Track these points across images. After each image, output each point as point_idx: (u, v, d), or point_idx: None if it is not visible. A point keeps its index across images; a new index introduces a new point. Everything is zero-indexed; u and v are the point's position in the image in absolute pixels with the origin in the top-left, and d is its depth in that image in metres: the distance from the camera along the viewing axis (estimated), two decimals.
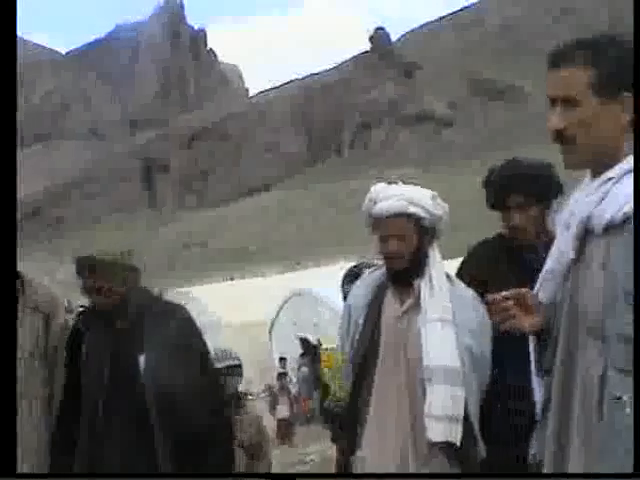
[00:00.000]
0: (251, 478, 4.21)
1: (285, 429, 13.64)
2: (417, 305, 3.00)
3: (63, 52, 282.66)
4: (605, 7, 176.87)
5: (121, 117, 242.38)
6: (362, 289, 3.19)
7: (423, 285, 3.00)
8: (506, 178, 3.03)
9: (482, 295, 2.93)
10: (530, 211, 3.02)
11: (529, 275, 2.31)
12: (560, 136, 1.94)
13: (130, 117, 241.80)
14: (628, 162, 1.88)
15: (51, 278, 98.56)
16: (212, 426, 3.24)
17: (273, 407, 14.73)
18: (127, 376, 3.11)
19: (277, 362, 19.80)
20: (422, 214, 2.97)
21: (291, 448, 12.58)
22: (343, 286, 4.17)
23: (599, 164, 1.94)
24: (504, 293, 2.07)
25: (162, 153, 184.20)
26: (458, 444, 2.84)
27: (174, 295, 23.01)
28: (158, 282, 66.48)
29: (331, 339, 18.07)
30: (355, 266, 4.31)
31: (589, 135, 1.91)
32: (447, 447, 2.88)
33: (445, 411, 2.84)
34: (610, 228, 1.85)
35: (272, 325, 20.49)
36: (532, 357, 2.19)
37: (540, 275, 2.10)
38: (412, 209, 2.96)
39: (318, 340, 18.93)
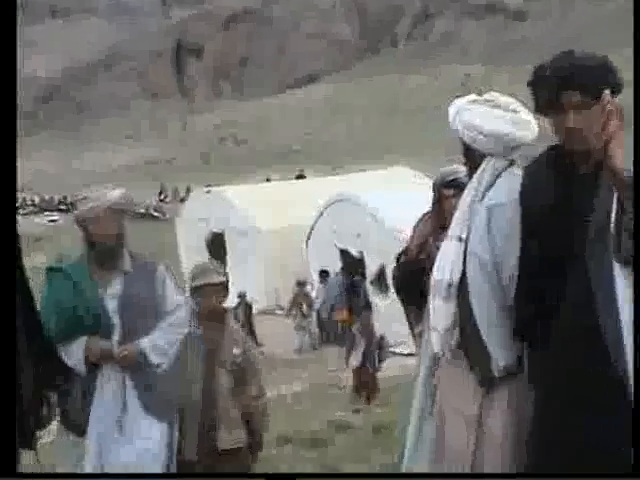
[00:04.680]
0: (251, 478, 4.46)
1: (362, 380, 12.43)
2: None
3: None
4: None
5: None
6: None
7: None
8: (560, 70, 2.80)
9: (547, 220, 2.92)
10: (588, 111, 2.76)
11: (586, 191, 2.59)
12: None
13: None
14: None
15: (66, 166, 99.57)
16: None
17: (348, 353, 13.31)
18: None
19: (316, 275, 19.83)
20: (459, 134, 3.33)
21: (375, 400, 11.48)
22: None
23: None
24: None
25: (196, 35, 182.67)
26: (441, 353, 3.31)
27: (205, 194, 23.07)
28: (191, 177, 66.41)
29: (375, 252, 18.00)
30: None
31: None
32: (459, 356, 3.27)
33: (435, 325, 3.30)
34: None
35: (310, 232, 20.43)
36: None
37: None
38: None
39: (361, 253, 18.86)
